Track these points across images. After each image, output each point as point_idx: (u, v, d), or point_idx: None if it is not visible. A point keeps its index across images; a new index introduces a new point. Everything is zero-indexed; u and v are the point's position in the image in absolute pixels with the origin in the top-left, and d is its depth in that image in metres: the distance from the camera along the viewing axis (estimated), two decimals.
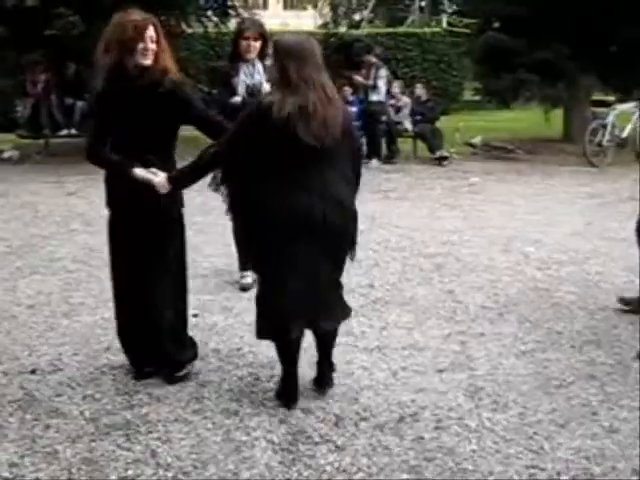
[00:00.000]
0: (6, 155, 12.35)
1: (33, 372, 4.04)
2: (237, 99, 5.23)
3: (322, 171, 3.51)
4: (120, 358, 4.20)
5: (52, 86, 12.81)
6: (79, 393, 3.81)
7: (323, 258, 3.56)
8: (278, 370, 3.89)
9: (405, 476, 3.05)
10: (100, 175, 3.92)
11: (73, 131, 13.35)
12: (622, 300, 5.07)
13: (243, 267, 5.43)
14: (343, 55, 17.11)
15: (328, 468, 3.11)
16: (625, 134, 11.69)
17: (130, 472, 3.09)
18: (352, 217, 3.64)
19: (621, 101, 12.92)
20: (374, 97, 12.12)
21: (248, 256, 4.31)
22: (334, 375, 3.89)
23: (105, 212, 3.94)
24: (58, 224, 7.84)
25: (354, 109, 12.58)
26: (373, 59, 12.54)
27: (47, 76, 12.69)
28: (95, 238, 7.14)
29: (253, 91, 5.21)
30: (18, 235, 7.14)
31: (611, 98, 13.92)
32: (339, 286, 3.79)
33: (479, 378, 3.97)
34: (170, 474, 3.07)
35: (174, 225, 3.94)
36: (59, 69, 13.28)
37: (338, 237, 3.57)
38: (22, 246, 6.76)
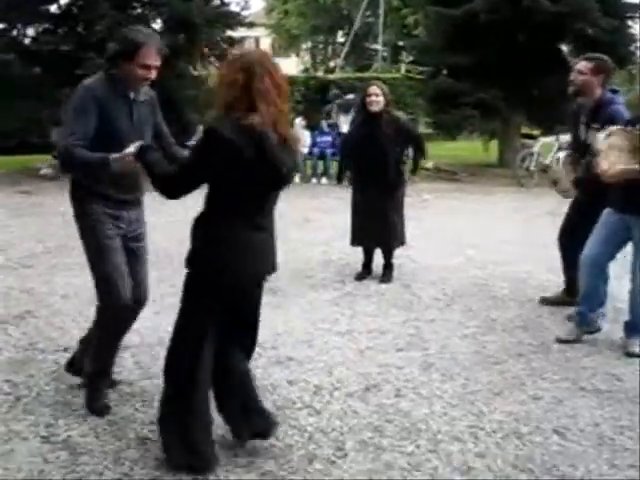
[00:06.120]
0: (42, 172, 12.34)
1: None
2: None
3: None
4: None
5: None
6: None
7: None
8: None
9: (370, 434, 3.07)
10: None
11: None
12: (544, 300, 5.07)
13: None
14: (320, 95, 17.15)
15: (309, 428, 3.11)
16: (548, 161, 11.86)
17: None
18: None
19: (544, 134, 13.15)
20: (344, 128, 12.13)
21: None
22: (312, 354, 3.91)
23: None
24: None
25: (329, 138, 12.63)
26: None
27: None
28: None
29: None
30: (53, 238, 7.06)
31: (536, 132, 14.12)
32: None
33: (430, 356, 3.99)
34: None
35: None
36: None
37: None
38: (58, 247, 6.68)
